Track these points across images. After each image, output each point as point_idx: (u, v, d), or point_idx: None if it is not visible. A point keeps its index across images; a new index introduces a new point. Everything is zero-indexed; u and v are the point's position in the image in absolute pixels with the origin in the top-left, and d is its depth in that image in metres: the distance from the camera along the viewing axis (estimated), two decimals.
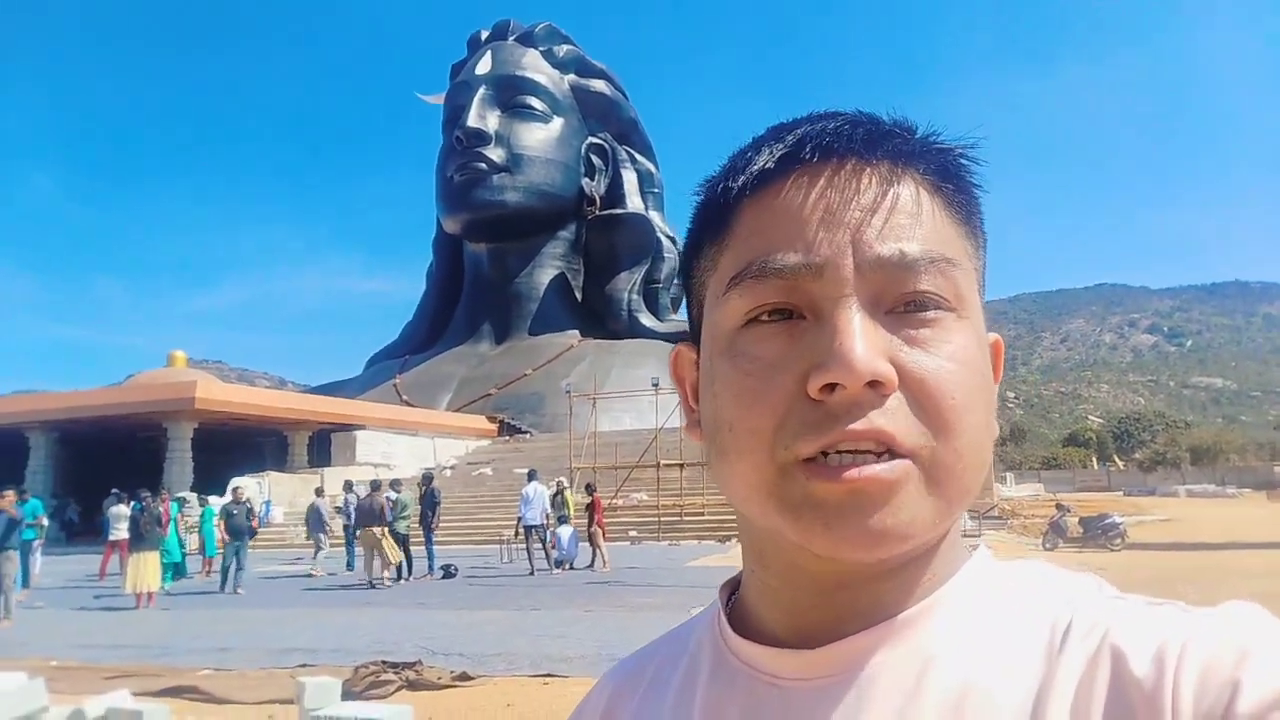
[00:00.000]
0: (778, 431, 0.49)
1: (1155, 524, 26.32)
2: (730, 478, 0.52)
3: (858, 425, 0.47)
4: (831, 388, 0.47)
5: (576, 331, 43.90)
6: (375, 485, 16.74)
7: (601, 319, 44.75)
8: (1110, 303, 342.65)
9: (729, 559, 17.28)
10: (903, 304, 0.50)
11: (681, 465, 24.40)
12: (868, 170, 0.51)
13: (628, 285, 44.90)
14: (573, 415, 28.24)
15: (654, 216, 47.40)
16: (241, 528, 15.02)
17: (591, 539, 16.66)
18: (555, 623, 9.92)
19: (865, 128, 0.52)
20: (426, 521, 16.43)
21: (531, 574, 15.53)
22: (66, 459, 29.45)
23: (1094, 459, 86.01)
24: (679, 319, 46.44)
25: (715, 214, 0.55)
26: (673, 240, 48.55)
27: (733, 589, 0.61)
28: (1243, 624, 0.45)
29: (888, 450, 0.48)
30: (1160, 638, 0.46)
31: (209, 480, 25.93)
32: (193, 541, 18.58)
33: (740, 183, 0.53)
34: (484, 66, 44.19)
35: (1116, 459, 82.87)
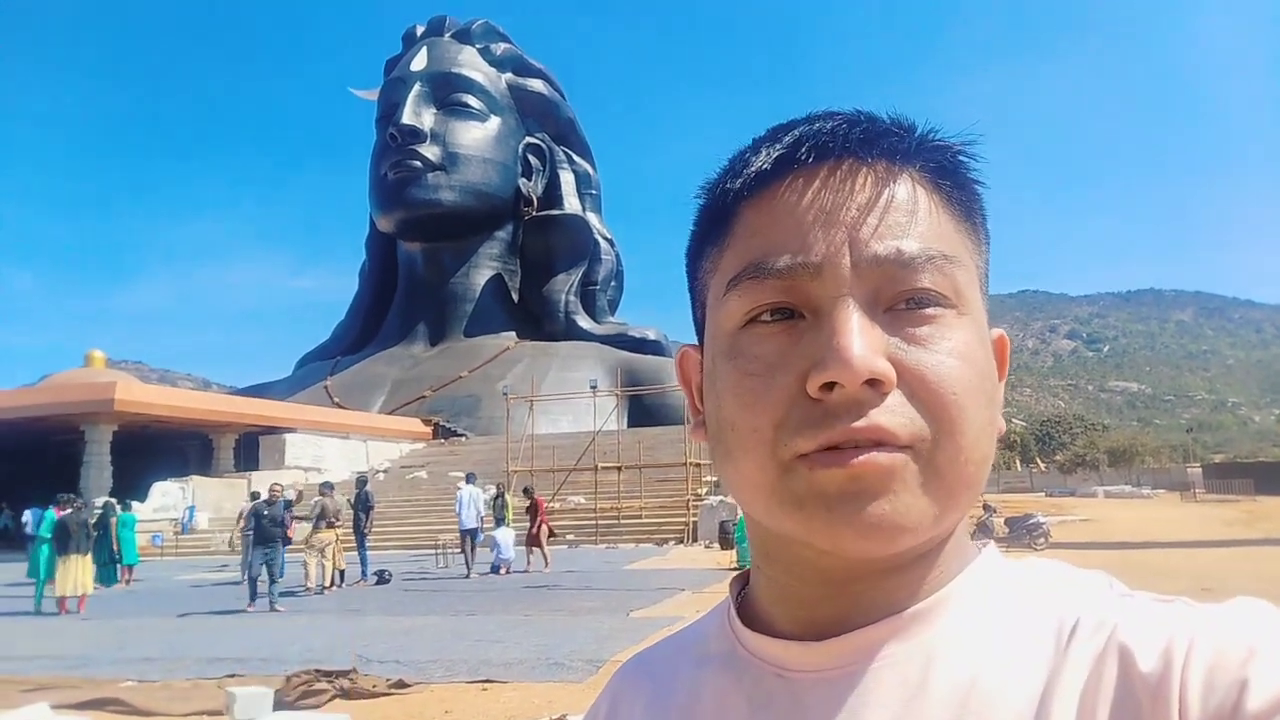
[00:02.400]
0: (779, 430, 0.49)
1: (1077, 524, 27.14)
2: (735, 477, 0.52)
3: (857, 423, 0.47)
4: (831, 386, 0.48)
5: (513, 333, 43.61)
6: (328, 486, 16.28)
7: (538, 321, 44.53)
8: (1033, 309, 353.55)
9: (667, 561, 17.33)
10: (901, 301, 0.50)
11: (619, 468, 24.41)
12: (864, 169, 0.52)
13: (565, 287, 44.76)
14: (510, 418, 28.03)
15: (591, 218, 47.38)
16: (273, 534, 13.12)
17: (534, 541, 16.54)
18: (493, 628, 9.80)
19: (862, 127, 0.52)
20: (359, 526, 16.10)
21: (468, 577, 15.41)
22: None
23: (1018, 460, 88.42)
24: (616, 321, 46.48)
25: (715, 217, 0.56)
26: (610, 242, 48.64)
27: (743, 583, 0.62)
28: (1251, 621, 0.45)
29: (888, 445, 0.48)
30: (1168, 634, 0.46)
31: (129, 485, 25.00)
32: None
33: (738, 185, 0.53)
34: (420, 63, 43.65)
35: (1039, 460, 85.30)
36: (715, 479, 23.99)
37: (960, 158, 0.54)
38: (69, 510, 13.64)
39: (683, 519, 22.31)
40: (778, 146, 0.53)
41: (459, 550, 16.71)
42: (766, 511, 0.51)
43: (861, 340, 0.48)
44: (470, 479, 17.24)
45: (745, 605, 0.60)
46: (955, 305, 0.51)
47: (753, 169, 0.53)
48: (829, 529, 0.48)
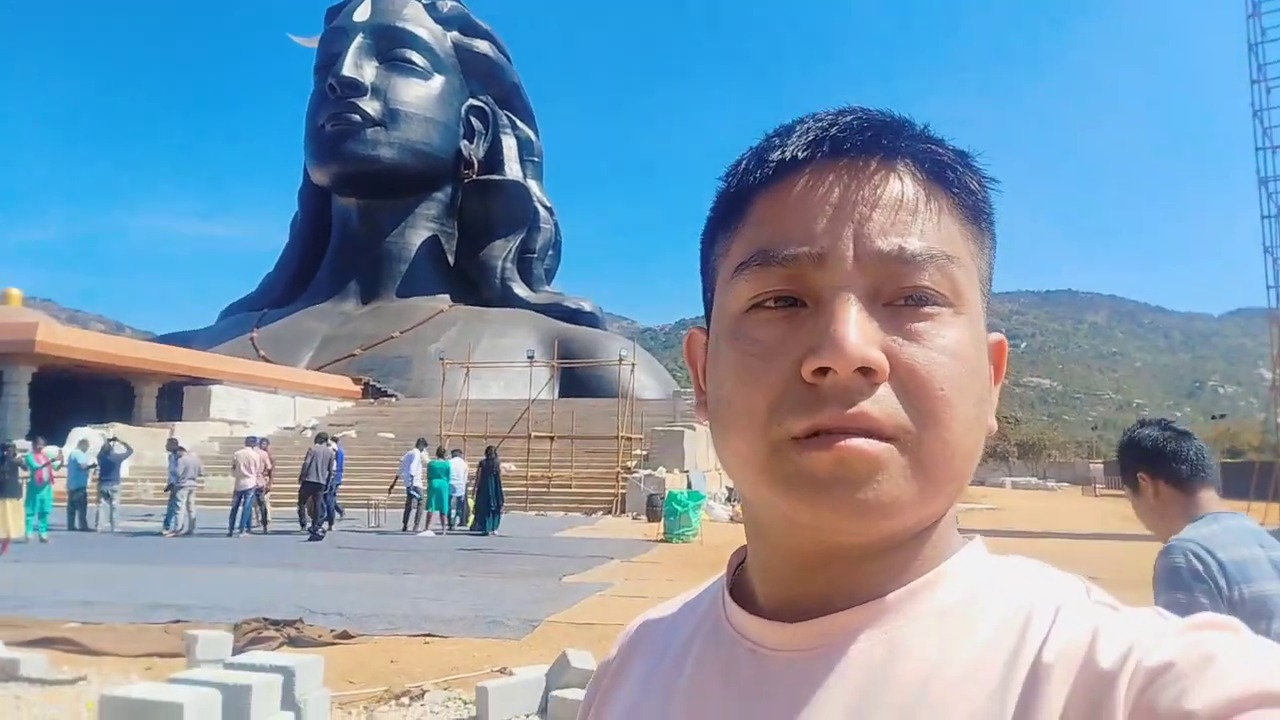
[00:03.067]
0: (772, 411, 0.52)
1: (983, 512, 28.49)
2: (727, 453, 0.56)
3: (847, 409, 0.50)
4: (824, 372, 0.50)
5: (447, 296, 43.34)
6: (322, 438, 17.74)
7: (474, 285, 44.31)
8: None
9: (596, 531, 17.80)
10: (901, 297, 0.53)
11: (552, 438, 24.73)
12: (875, 167, 0.54)
13: (502, 253, 44.58)
14: (444, 382, 28.05)
15: (532, 185, 47.17)
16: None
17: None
18: (430, 587, 10.11)
19: (876, 125, 0.55)
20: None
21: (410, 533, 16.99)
22: None
23: None
24: (552, 290, 46.52)
25: (730, 203, 0.59)
26: (550, 210, 48.53)
27: (743, 558, 0.64)
28: (1214, 634, 0.47)
29: (874, 435, 0.50)
30: (1131, 636, 0.47)
31: (45, 429, 24.37)
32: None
33: (754, 176, 0.57)
34: (363, 13, 42.71)
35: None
36: (644, 453, 24.53)
37: (970, 161, 0.57)
38: (3, 453, 13.46)
39: (611, 490, 22.78)
40: (795, 140, 0.55)
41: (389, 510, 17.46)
42: (754, 488, 0.54)
43: (857, 330, 0.50)
44: (421, 444, 18.60)
45: (740, 578, 0.64)
46: (953, 304, 0.53)
47: (770, 160, 0.56)
48: (812, 509, 0.51)
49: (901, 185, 0.54)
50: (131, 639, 7.07)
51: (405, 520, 17.57)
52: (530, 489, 23.24)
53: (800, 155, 0.55)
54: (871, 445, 0.50)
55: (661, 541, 15.80)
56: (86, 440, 19.16)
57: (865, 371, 0.50)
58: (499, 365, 31.59)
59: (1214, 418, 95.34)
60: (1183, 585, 1.98)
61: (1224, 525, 2.08)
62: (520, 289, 44.25)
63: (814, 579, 0.55)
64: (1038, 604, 0.52)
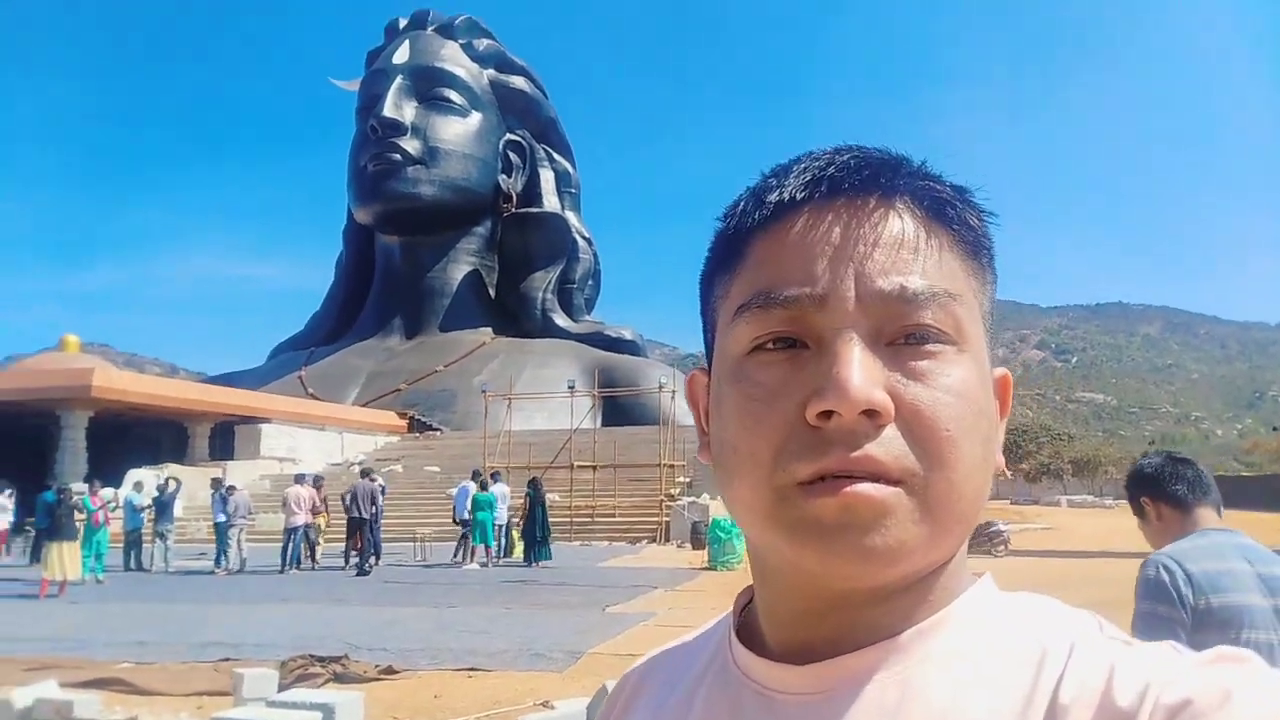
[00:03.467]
0: (776, 456, 0.51)
1: (1037, 532, 27.88)
2: (731, 498, 0.55)
3: (852, 453, 0.49)
4: (828, 415, 0.49)
5: (489, 329, 43.76)
6: (365, 473, 18.15)
7: (515, 317, 44.71)
8: (1002, 318, 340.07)
9: (640, 560, 17.74)
10: (903, 336, 0.52)
11: (594, 467, 24.76)
12: (873, 206, 0.54)
13: (542, 284, 44.98)
14: (486, 414, 28.27)
15: (570, 216, 47.60)
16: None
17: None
18: (475, 619, 10.15)
19: (874, 164, 0.55)
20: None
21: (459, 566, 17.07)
22: None
23: None
24: (592, 320, 46.78)
25: (728, 245, 0.59)
26: (589, 241, 48.92)
27: (750, 598, 0.64)
28: (1232, 667, 0.47)
29: (881, 479, 0.50)
30: (1148, 674, 0.47)
31: (102, 472, 24.99)
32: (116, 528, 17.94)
33: (752, 217, 0.56)
34: (402, 55, 43.64)
35: (1005, 468, 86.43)
36: (688, 480, 24.43)
37: (968, 196, 0.57)
38: (61, 496, 13.88)
39: (655, 518, 22.70)
40: (793, 180, 0.55)
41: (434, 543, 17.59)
42: (761, 534, 0.53)
43: (861, 372, 0.49)
44: (475, 476, 18.72)
45: (747, 619, 0.63)
46: (956, 342, 0.53)
47: (768, 201, 0.55)
48: (819, 556, 0.50)
49: (901, 223, 0.53)
50: (183, 678, 7.20)
51: (458, 553, 17.73)
52: (574, 519, 23.24)
53: (799, 196, 0.54)
54: (878, 490, 0.49)
55: (706, 569, 15.70)
56: (141, 482, 19.59)
57: (870, 414, 0.49)
58: (540, 396, 31.76)
59: (1276, 428, 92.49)
60: (1149, 595, 2.16)
61: (1208, 540, 2.23)
62: (561, 319, 44.56)
63: (822, 623, 0.54)
64: (1051, 642, 0.51)
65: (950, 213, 0.55)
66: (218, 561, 16.32)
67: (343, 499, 17.18)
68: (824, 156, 0.56)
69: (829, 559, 0.50)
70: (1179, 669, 0.47)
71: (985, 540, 20.12)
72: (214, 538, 17.41)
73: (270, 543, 18.91)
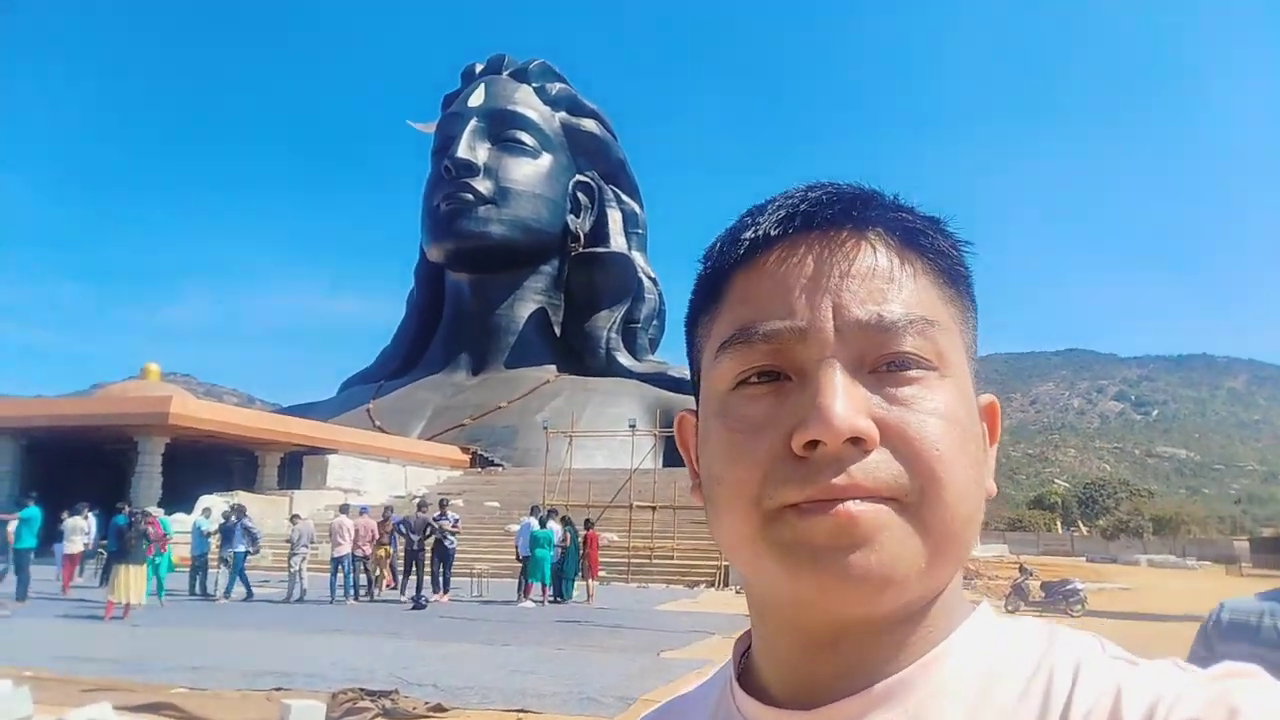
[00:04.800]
0: (763, 484, 0.51)
1: (1115, 591, 26.70)
2: (721, 531, 0.55)
3: (838, 479, 0.49)
4: (814, 445, 0.50)
5: (554, 366, 44.09)
6: (423, 504, 18.71)
7: (579, 356, 44.99)
8: (1079, 368, 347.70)
9: (698, 604, 17.40)
10: (884, 364, 0.53)
11: (654, 508, 24.51)
12: (848, 238, 0.55)
13: (607, 324, 45.25)
14: (548, 451, 28.32)
15: (637, 257, 47.96)
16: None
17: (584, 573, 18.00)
18: (527, 659, 10.00)
19: (846, 198, 0.56)
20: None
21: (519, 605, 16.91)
22: (32, 467, 29.04)
23: (1059, 523, 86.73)
24: (656, 359, 46.82)
25: (709, 285, 0.60)
26: (654, 281, 49.18)
27: (748, 644, 0.63)
28: (1237, 684, 0.47)
29: (872, 499, 0.50)
30: (1155, 694, 0.47)
31: (174, 497, 25.68)
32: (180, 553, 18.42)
33: (730, 255, 0.58)
34: (477, 99, 44.79)
35: (1081, 524, 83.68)
36: None
37: (941, 226, 0.58)
38: (129, 521, 14.22)
39: (714, 563, 22.31)
40: (768, 217, 0.56)
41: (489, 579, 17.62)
42: (753, 562, 0.53)
43: (844, 399, 0.50)
44: (535, 511, 18.72)
45: (748, 665, 0.62)
46: (937, 367, 0.53)
47: (744, 239, 0.57)
48: (815, 579, 0.50)
49: (875, 254, 0.55)
50: (234, 706, 7.19)
51: (520, 590, 17.69)
52: (631, 560, 23.02)
53: (773, 232, 0.55)
54: (870, 507, 0.49)
55: None
56: (210, 508, 20.00)
57: (855, 441, 0.50)
58: (602, 434, 31.72)
59: None
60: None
61: None
62: (625, 358, 44.68)
63: (824, 659, 0.54)
64: (1056, 665, 0.51)
65: (924, 242, 0.56)
66: (228, 592, 16.76)
67: (396, 530, 17.33)
68: (797, 194, 0.57)
69: (825, 581, 0.49)
70: (1185, 686, 0.47)
71: (1061, 599, 19.30)
72: (284, 565, 17.73)
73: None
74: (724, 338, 0.56)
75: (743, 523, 0.52)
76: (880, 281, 0.54)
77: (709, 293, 0.60)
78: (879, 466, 0.50)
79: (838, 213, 0.55)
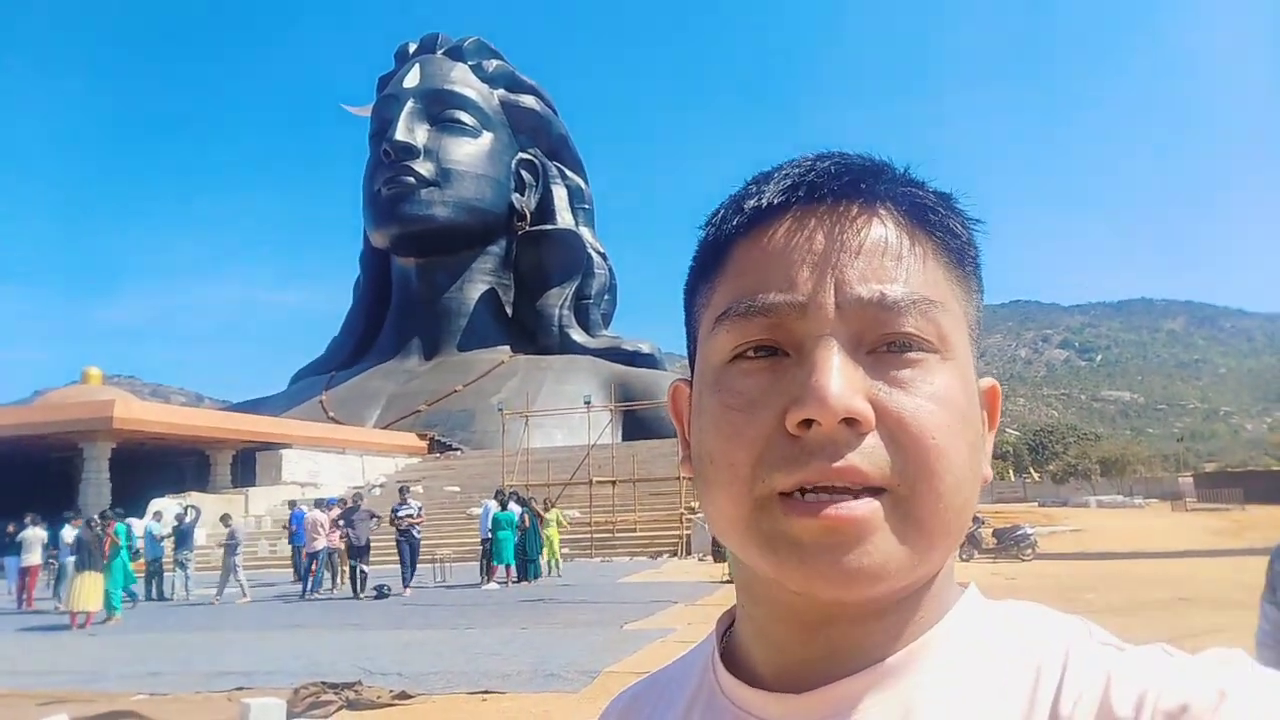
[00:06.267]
0: (756, 466, 0.50)
1: (1066, 534, 27.45)
2: (711, 510, 0.54)
3: (833, 463, 0.48)
4: (808, 424, 0.48)
5: (507, 347, 43.86)
6: (359, 496, 18.55)
7: (532, 335, 44.79)
8: (1025, 319, 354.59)
9: (661, 574, 17.60)
10: (884, 344, 0.51)
11: (614, 482, 24.64)
12: (855, 212, 0.53)
13: (559, 301, 45.05)
14: (505, 432, 28.26)
15: (584, 232, 47.71)
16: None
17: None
18: (491, 641, 10.05)
19: (855, 170, 0.54)
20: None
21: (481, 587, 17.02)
22: None
23: (1011, 470, 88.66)
24: (609, 334, 46.80)
25: (710, 253, 0.58)
26: (603, 256, 49.00)
27: (730, 621, 0.62)
28: (1225, 668, 0.47)
29: (864, 489, 0.48)
30: (1143, 681, 0.47)
31: (125, 502, 25.16)
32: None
33: (733, 223, 0.55)
34: (412, 80, 44.00)
35: (1032, 470, 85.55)
36: None
37: (952, 203, 0.56)
38: (84, 527, 13.95)
39: (676, 532, 22.56)
40: (773, 186, 0.54)
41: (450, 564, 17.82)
42: (741, 547, 0.52)
43: (840, 379, 0.48)
44: (497, 495, 18.76)
45: (731, 644, 0.61)
46: (939, 350, 0.52)
47: (747, 208, 0.55)
48: (802, 574, 0.49)
49: (884, 229, 0.53)
50: (195, 709, 7.14)
51: (483, 572, 17.78)
52: (594, 535, 23.15)
53: (777, 201, 0.53)
54: (861, 508, 0.48)
55: (726, 583, 15.51)
56: (161, 511, 19.67)
57: (850, 422, 0.48)
58: (558, 412, 31.71)
59: None
60: None
61: None
62: (578, 335, 44.58)
63: (815, 641, 0.53)
64: (1045, 652, 0.51)
65: (933, 219, 0.54)
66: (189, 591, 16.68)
67: (337, 522, 17.11)
68: (805, 163, 0.55)
69: (811, 577, 0.48)
70: (1174, 673, 0.47)
71: (1012, 544, 19.80)
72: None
73: (287, 568, 18.96)
74: (722, 309, 0.54)
75: (733, 506, 0.51)
76: (887, 259, 0.52)
77: (709, 261, 0.58)
78: (873, 452, 0.48)
79: (846, 184, 0.53)
